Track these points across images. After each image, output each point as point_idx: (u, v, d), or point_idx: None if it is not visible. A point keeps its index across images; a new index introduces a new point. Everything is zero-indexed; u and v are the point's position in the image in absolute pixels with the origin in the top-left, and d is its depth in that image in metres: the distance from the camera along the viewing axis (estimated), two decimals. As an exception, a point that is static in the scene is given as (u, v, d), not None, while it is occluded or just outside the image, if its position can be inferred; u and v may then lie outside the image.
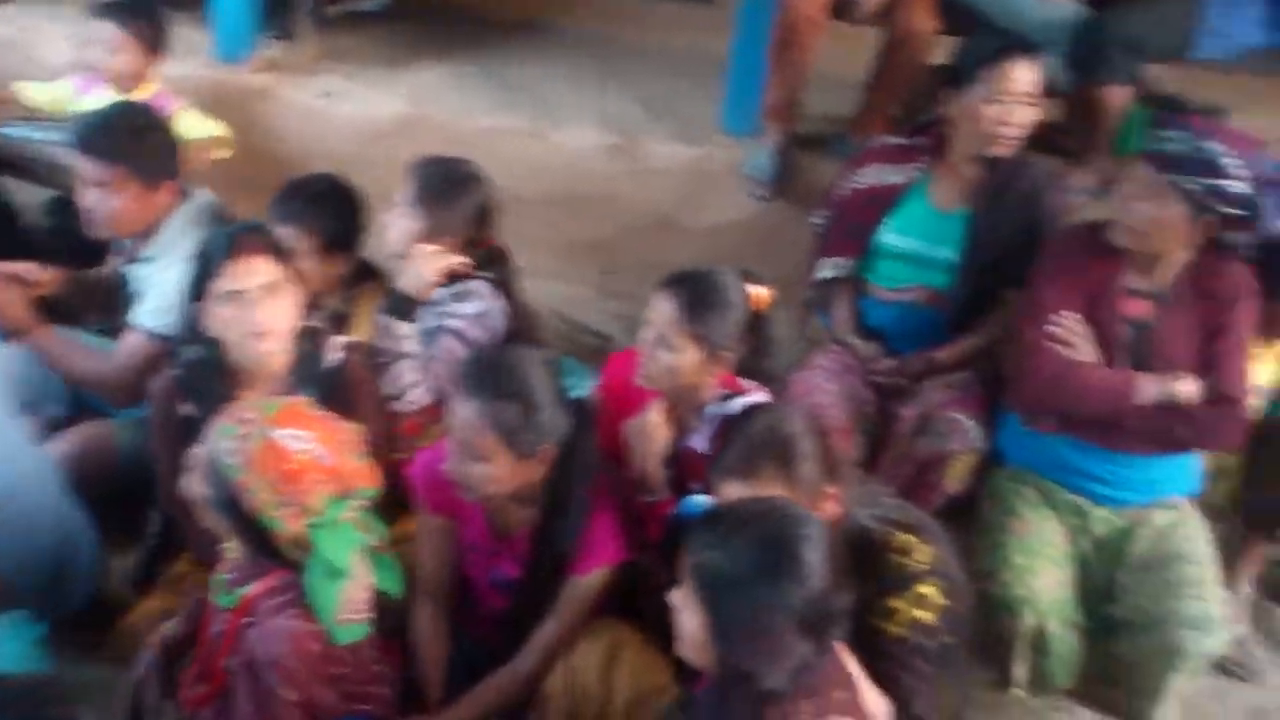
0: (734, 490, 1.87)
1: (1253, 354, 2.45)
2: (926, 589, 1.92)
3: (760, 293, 2.30)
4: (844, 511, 1.95)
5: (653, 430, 2.25)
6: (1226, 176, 2.26)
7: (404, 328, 2.52)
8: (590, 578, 2.08)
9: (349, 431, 1.89)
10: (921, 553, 1.94)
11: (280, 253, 2.33)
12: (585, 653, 2.04)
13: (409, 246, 2.55)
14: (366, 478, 1.86)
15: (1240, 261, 2.40)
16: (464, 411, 2.01)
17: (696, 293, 2.20)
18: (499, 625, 2.21)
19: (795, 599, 1.56)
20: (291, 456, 1.78)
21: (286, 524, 1.79)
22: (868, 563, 1.91)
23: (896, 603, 1.91)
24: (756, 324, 2.29)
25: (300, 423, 1.83)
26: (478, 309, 2.54)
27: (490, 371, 2.04)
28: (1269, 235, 2.46)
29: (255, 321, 2.21)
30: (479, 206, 2.63)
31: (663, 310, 2.20)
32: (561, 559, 2.08)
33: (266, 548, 1.83)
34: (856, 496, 2.00)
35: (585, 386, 2.06)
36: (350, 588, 1.81)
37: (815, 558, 1.59)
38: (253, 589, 1.86)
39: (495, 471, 2.03)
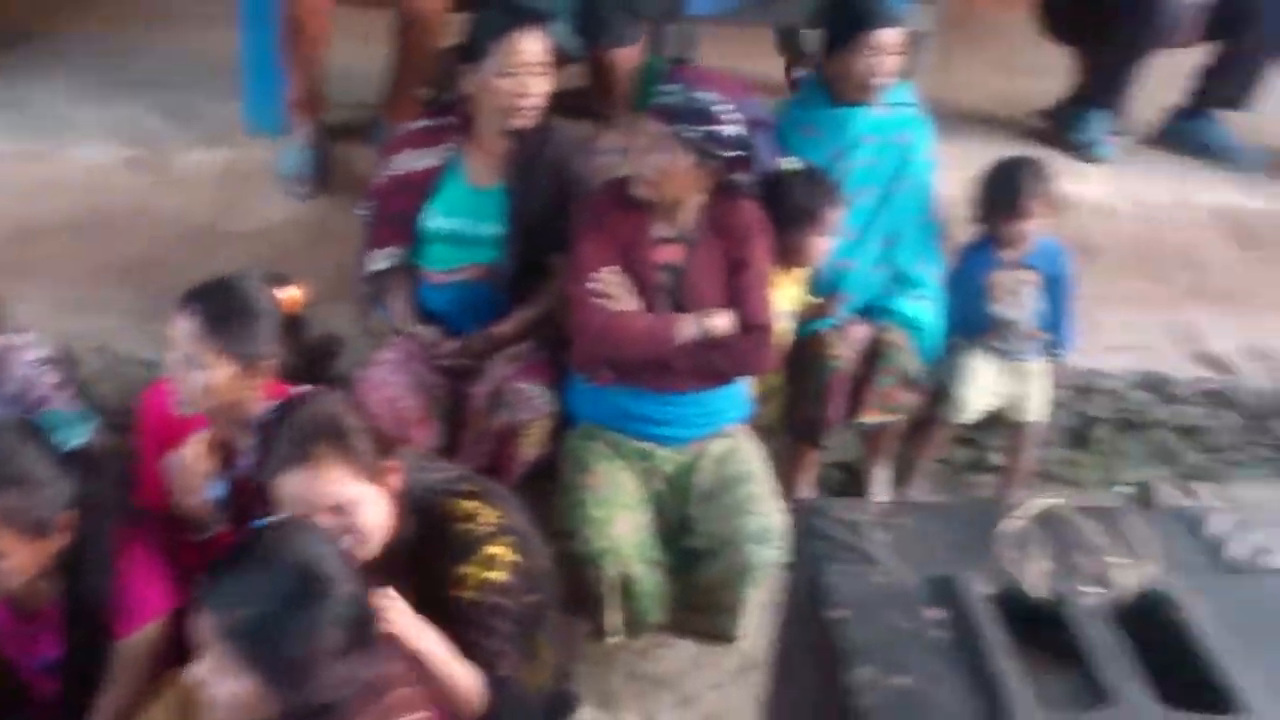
0: (293, 483, 1.79)
1: (773, 282, 2.67)
2: (495, 549, 1.91)
3: (292, 295, 2.21)
4: (406, 485, 1.92)
5: (192, 463, 2.11)
6: (720, 122, 2.43)
7: None
8: (137, 637, 1.91)
9: None
10: (487, 515, 1.94)
11: None
12: (152, 716, 1.87)
13: None
14: None
15: (748, 199, 2.59)
16: None
17: (218, 305, 2.07)
18: (56, 710, 1.98)
19: (334, 613, 1.51)
20: None
21: None
22: (434, 535, 1.89)
23: (465, 569, 1.89)
24: (293, 327, 2.20)
25: None
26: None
27: None
28: (767, 172, 2.70)
29: None
30: None
31: (185, 329, 2.06)
32: (101, 624, 1.90)
33: None
34: (417, 470, 1.97)
35: (83, 433, 1.88)
36: None
37: (335, 565, 1.54)
38: None
39: (15, 563, 1.82)
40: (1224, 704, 1.47)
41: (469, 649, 1.87)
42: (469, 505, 1.96)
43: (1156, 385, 3.39)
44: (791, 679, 1.79)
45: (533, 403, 2.57)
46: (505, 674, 1.91)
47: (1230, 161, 3.79)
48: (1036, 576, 1.60)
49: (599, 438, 2.59)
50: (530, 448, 2.58)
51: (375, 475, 1.85)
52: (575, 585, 2.39)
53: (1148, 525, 1.73)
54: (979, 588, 1.59)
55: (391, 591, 1.78)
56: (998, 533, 1.66)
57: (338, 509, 1.80)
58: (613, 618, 2.45)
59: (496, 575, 1.91)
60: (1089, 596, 1.59)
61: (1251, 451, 3.50)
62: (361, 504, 1.82)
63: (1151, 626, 1.57)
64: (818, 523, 1.72)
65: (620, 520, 2.45)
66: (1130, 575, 1.62)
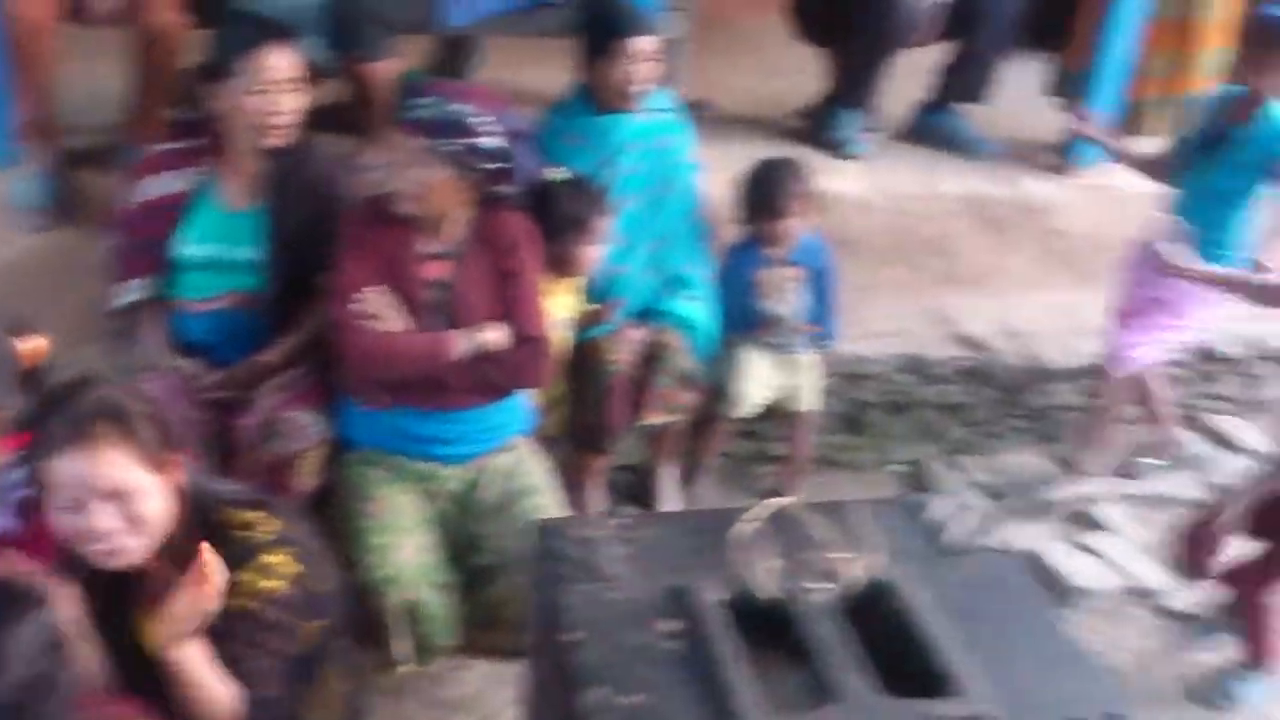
0: (70, 466, 1.67)
1: (547, 292, 2.66)
2: (273, 558, 1.81)
3: (34, 345, 2.04)
4: (188, 485, 1.81)
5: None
6: (478, 134, 2.41)
7: None
8: None
9: None
10: (268, 525, 1.84)
11: None
12: None
13: None
14: None
15: (513, 210, 2.58)
16: None
17: (-61, 353, 1.90)
18: None
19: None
20: None
21: None
22: (212, 542, 1.78)
23: (240, 576, 1.78)
24: (34, 376, 2.03)
25: None
26: None
27: None
28: (533, 182, 2.69)
29: None
30: None
31: None
32: None
33: None
34: (198, 476, 1.87)
35: None
36: None
37: (18, 638, 1.42)
38: None
39: None
40: (943, 687, 1.53)
41: (235, 664, 1.77)
42: (250, 515, 1.86)
43: (919, 367, 3.59)
44: (542, 703, 1.77)
45: (305, 431, 2.49)
46: (269, 695, 1.81)
47: (972, 152, 4.04)
48: (766, 577, 1.62)
49: (377, 462, 2.52)
50: (305, 478, 2.50)
51: (158, 465, 1.74)
52: (362, 615, 2.31)
53: (873, 516, 1.79)
54: (711, 595, 1.60)
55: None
56: (730, 537, 1.68)
57: (117, 495, 1.69)
58: (401, 646, 2.38)
59: (273, 585, 1.81)
60: (816, 593, 1.62)
61: (1008, 423, 3.75)
62: (142, 492, 1.71)
63: (877, 617, 1.62)
64: (553, 543, 1.70)
65: (403, 545, 2.39)
66: (856, 568, 1.67)
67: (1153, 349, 3.40)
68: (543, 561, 1.70)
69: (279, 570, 1.82)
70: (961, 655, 1.56)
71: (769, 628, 1.57)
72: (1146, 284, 3.28)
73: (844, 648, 1.54)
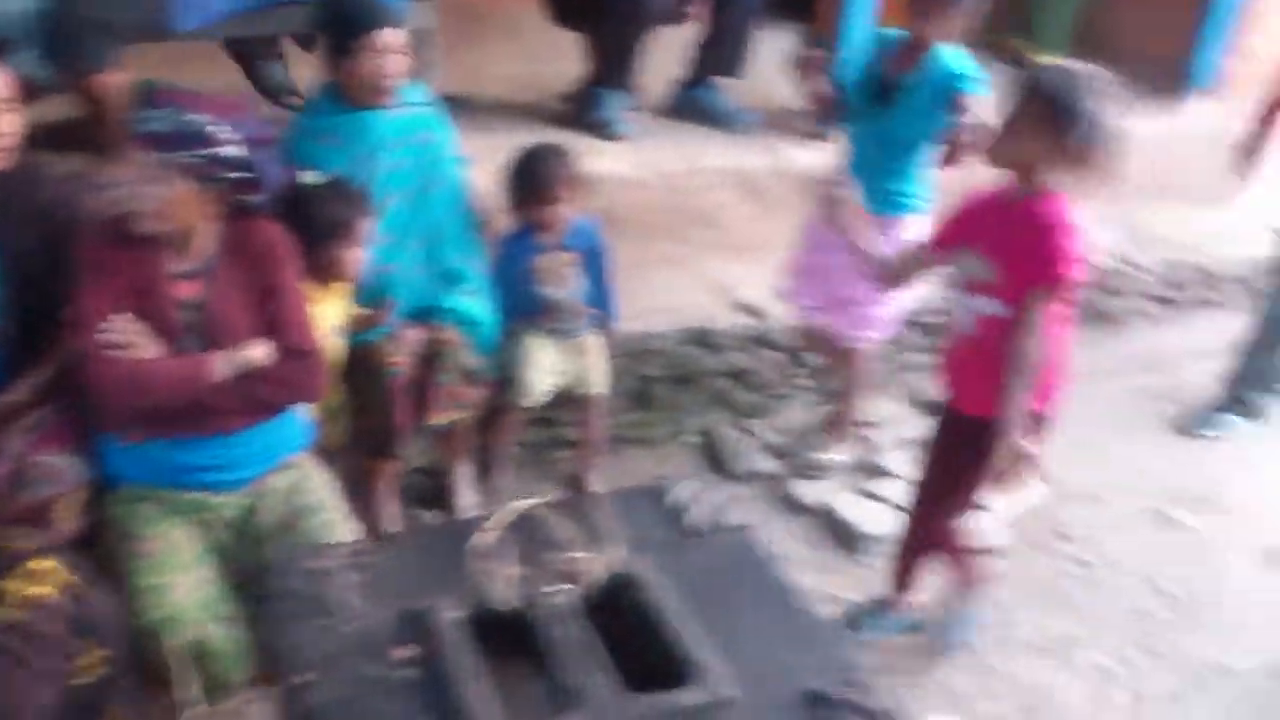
0: None
1: (313, 300, 2.57)
2: (42, 565, 1.69)
3: None
4: None
5: None
6: (218, 144, 2.29)
7: None
8: None
9: None
10: (34, 538, 1.72)
11: None
12: None
13: None
14: None
15: (266, 219, 2.47)
16: None
17: None
18: None
19: None
20: None
21: None
22: None
23: (6, 585, 1.66)
24: None
25: None
26: None
27: None
28: (284, 188, 2.59)
29: None
30: None
31: None
32: None
33: None
34: None
35: None
36: None
37: None
38: None
39: None
40: (685, 676, 1.52)
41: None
42: (15, 531, 1.73)
43: (701, 338, 3.66)
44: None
45: (60, 474, 2.32)
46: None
47: (732, 124, 4.14)
48: (505, 587, 1.59)
49: (146, 498, 2.37)
50: (64, 522, 2.31)
51: None
52: (144, 659, 2.18)
53: (615, 509, 1.78)
54: (448, 613, 1.55)
55: None
56: (470, 549, 1.65)
57: None
58: (187, 689, 2.26)
59: (43, 590, 1.68)
60: (558, 595, 1.60)
61: (790, 384, 3.88)
62: None
63: (619, 612, 1.61)
64: (279, 581, 1.63)
65: (180, 584, 2.26)
66: (598, 565, 1.66)
67: (876, 328, 3.40)
68: (270, 602, 1.62)
69: (49, 577, 1.70)
70: (702, 641, 1.55)
71: (511, 639, 1.54)
72: (836, 249, 3.02)
73: (585, 650, 1.52)
